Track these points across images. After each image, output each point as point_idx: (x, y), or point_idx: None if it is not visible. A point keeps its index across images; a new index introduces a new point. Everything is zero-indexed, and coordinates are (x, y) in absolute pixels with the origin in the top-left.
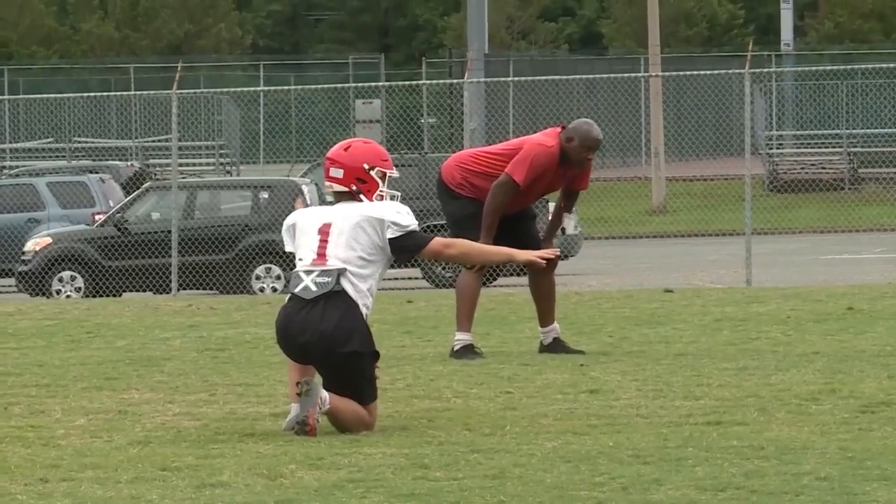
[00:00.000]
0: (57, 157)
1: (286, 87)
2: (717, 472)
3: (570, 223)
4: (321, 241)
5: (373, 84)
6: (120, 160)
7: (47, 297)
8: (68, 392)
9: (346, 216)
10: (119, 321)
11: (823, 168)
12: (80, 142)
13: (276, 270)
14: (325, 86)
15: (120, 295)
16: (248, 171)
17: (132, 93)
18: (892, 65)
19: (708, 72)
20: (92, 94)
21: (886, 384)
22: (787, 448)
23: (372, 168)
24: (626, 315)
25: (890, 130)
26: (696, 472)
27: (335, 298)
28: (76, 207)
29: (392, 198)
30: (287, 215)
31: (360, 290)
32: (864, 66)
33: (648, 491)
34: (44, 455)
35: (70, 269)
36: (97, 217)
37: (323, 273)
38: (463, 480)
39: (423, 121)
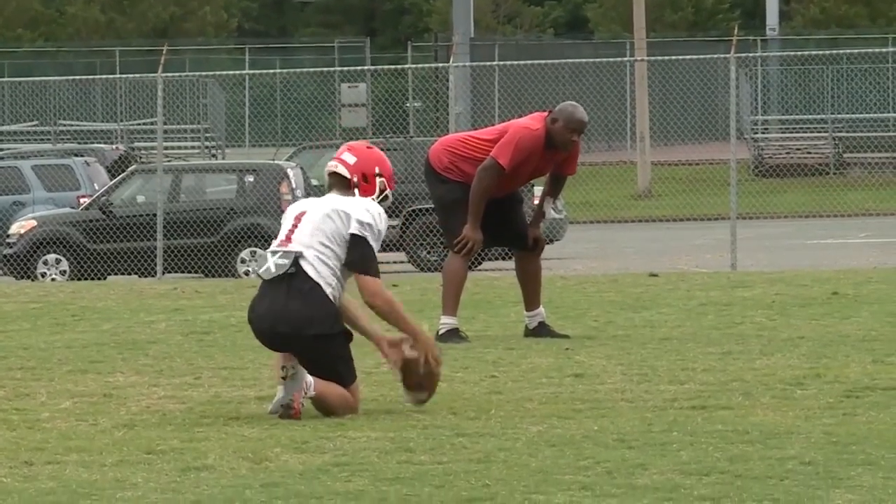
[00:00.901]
0: (42, 140)
1: (272, 71)
2: (702, 456)
3: (548, 207)
4: (293, 226)
5: (358, 68)
6: (105, 143)
7: (32, 280)
8: (53, 375)
9: (322, 206)
10: (104, 304)
11: (809, 153)
12: (65, 125)
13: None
14: (311, 69)
15: (105, 278)
16: (233, 154)
17: (117, 76)
18: (877, 50)
19: (693, 56)
20: (77, 77)
21: (871, 369)
22: (771, 432)
23: (380, 175)
24: (611, 299)
25: (875, 115)
26: (681, 456)
27: (297, 281)
28: (61, 190)
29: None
30: (272, 199)
31: (321, 272)
32: (849, 51)
33: (633, 475)
34: (29, 438)
35: (55, 252)
36: (82, 200)
37: (283, 255)
38: (448, 464)
39: (408, 105)
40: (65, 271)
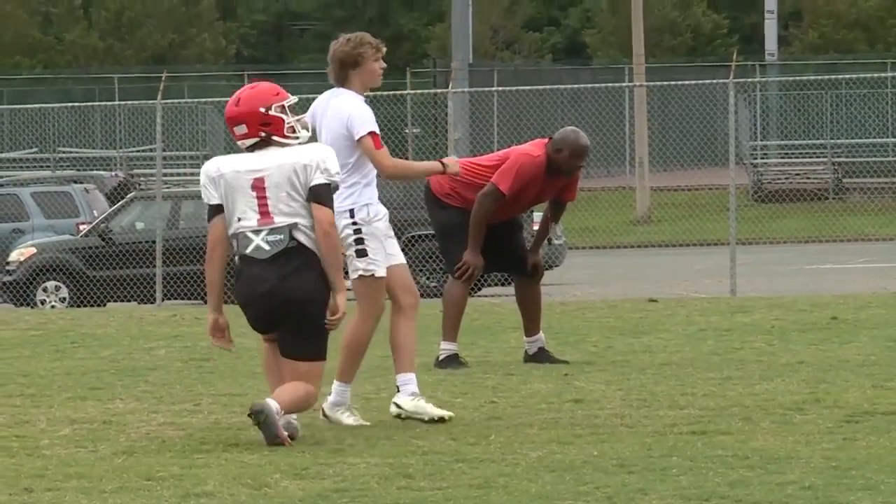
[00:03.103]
0: (41, 167)
1: None
2: (702, 481)
3: (554, 233)
4: (259, 197)
5: None
6: (104, 170)
7: (32, 308)
8: (53, 402)
9: (280, 165)
10: (104, 331)
11: (808, 178)
12: (64, 152)
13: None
14: (310, 96)
15: (104, 305)
16: None
17: (116, 103)
18: (876, 75)
19: (692, 82)
20: (76, 104)
21: (870, 393)
22: (771, 457)
23: (269, 108)
24: (610, 325)
25: (874, 140)
26: (681, 481)
27: (298, 253)
28: (60, 217)
29: (302, 126)
30: None
31: (313, 238)
32: (848, 76)
33: (633, 500)
34: (28, 465)
35: (54, 279)
36: (81, 227)
37: (273, 231)
38: (448, 490)
39: (407, 130)
40: (64, 298)
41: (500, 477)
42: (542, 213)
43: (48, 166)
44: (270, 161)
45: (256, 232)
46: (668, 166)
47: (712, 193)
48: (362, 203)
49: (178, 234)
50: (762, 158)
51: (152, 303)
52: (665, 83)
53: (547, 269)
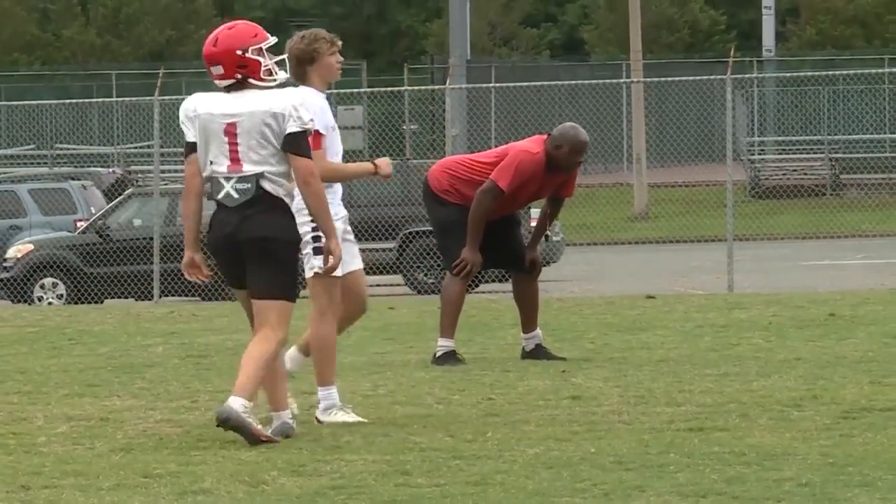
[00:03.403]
0: (39, 163)
1: None
2: (699, 478)
3: (551, 229)
4: (230, 143)
5: (355, 90)
6: (102, 167)
7: (29, 304)
8: (50, 399)
9: (252, 113)
10: (101, 328)
11: (805, 174)
12: (61, 148)
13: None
14: None
15: (102, 302)
16: None
17: (114, 99)
18: (873, 71)
19: (690, 78)
20: (74, 100)
21: (868, 390)
22: (768, 454)
23: (246, 50)
24: (607, 321)
25: (871, 136)
26: (678, 478)
27: (263, 201)
28: (58, 214)
29: (281, 66)
30: None
31: (281, 184)
32: (845, 72)
33: (630, 497)
34: (26, 462)
35: (52, 275)
36: (79, 224)
37: (241, 180)
38: (445, 487)
39: (405, 127)
40: (62, 295)
41: (498, 474)
42: (539, 210)
43: (45, 163)
44: (244, 107)
45: (227, 179)
46: (665, 162)
47: (709, 189)
48: None
49: (175, 231)
50: (759, 154)
51: (150, 299)
52: (662, 79)
53: (544, 265)
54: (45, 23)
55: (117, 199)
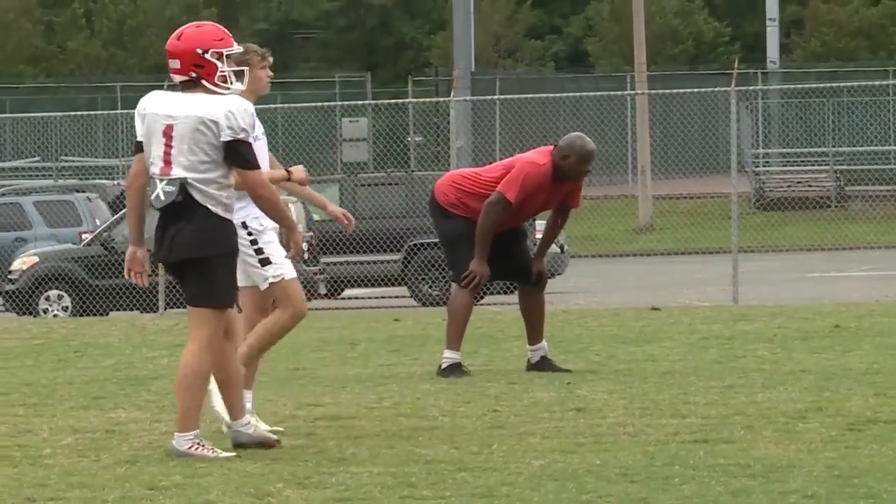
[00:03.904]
0: (44, 176)
1: (272, 106)
2: (704, 490)
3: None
4: (166, 145)
5: (359, 102)
6: (107, 179)
7: (34, 317)
8: (55, 411)
9: (187, 117)
10: (106, 340)
11: (810, 186)
12: (66, 161)
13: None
14: (312, 104)
15: (107, 314)
16: None
17: (119, 111)
18: (877, 82)
19: (694, 90)
20: (79, 112)
21: (873, 402)
22: (773, 466)
23: (206, 51)
24: (612, 333)
25: (876, 148)
26: (683, 490)
27: (185, 208)
28: (63, 226)
29: (239, 78)
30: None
31: (208, 193)
32: (850, 84)
33: None
34: (31, 474)
35: (57, 288)
36: (84, 236)
37: (169, 182)
38: (450, 499)
39: (409, 139)
40: (67, 307)
41: (503, 486)
42: (545, 222)
43: (51, 175)
44: (182, 110)
45: (160, 180)
46: (670, 174)
47: (714, 201)
48: (253, 216)
49: None
50: (764, 166)
51: (155, 311)
52: (667, 91)
53: (550, 277)
54: (51, 35)
55: (122, 211)
